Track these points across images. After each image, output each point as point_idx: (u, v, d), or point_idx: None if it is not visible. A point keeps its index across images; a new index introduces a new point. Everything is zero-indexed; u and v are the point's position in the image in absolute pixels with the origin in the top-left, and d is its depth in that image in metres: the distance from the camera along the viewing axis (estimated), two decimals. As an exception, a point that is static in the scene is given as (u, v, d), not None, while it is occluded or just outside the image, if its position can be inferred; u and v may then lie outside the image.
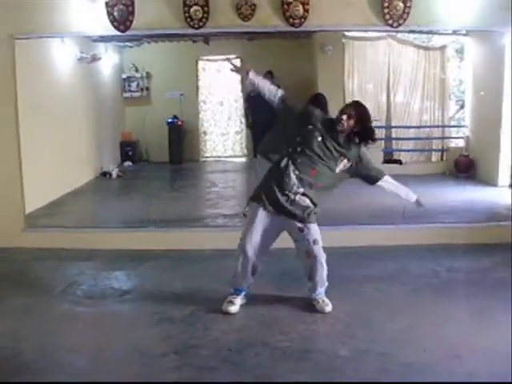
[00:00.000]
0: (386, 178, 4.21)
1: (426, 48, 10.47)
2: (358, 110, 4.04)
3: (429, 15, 5.64)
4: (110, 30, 5.66)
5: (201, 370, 3.31)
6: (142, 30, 5.90)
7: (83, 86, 9.42)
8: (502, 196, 7.05)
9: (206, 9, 5.58)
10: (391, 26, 5.63)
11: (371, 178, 4.18)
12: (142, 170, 11.20)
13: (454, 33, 8.78)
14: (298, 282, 4.39)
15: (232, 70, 4.26)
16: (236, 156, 11.91)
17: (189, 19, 5.61)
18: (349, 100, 4.43)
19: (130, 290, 4.69)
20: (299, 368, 3.31)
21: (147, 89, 11.85)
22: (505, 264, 5.03)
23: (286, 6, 5.57)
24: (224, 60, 10.96)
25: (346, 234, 5.70)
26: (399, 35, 9.82)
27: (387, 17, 5.57)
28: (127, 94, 11.81)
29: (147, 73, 11.79)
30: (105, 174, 10.02)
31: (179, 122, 11.55)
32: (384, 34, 9.44)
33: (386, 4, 5.54)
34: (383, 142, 10.25)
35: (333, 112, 4.17)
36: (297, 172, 3.97)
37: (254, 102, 8.90)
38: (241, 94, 11.47)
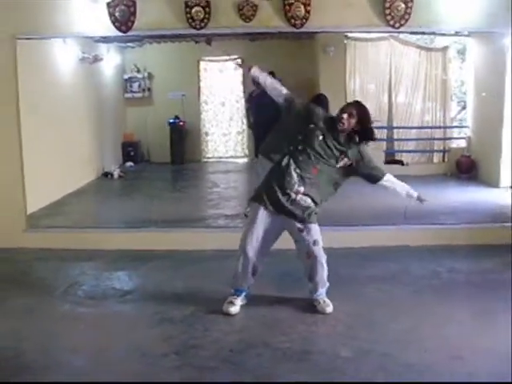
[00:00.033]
0: (388, 176, 4.20)
1: (428, 49, 10.47)
2: (358, 109, 4.04)
3: (430, 16, 5.63)
4: (112, 31, 5.67)
5: (201, 370, 3.32)
6: (143, 31, 5.91)
7: (85, 86, 9.43)
8: (504, 197, 7.04)
9: (207, 9, 5.58)
10: (393, 26, 5.62)
11: (373, 177, 4.17)
12: (144, 171, 11.21)
13: (456, 34, 8.77)
14: (299, 282, 4.39)
15: (237, 67, 4.27)
16: (237, 156, 11.92)
17: (190, 20, 5.61)
18: (350, 100, 4.44)
19: (132, 290, 4.70)
20: (300, 369, 3.31)
21: (149, 89, 11.87)
22: (506, 265, 5.02)
23: (287, 7, 5.56)
24: (226, 61, 11.12)
25: (346, 234, 5.70)
26: (401, 36, 9.82)
27: (389, 18, 5.57)
28: (129, 95, 11.83)
29: (149, 73, 11.81)
30: (106, 175, 10.03)
31: (181, 123, 11.57)
32: (386, 34, 9.44)
33: (388, 5, 5.53)
34: (385, 142, 10.27)
35: (334, 112, 4.17)
36: (298, 170, 3.97)
37: (255, 103, 8.89)
38: (242, 95, 11.49)
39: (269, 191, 4.03)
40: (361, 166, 4.11)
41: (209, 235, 5.95)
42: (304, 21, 5.59)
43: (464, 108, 10.81)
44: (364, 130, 4.04)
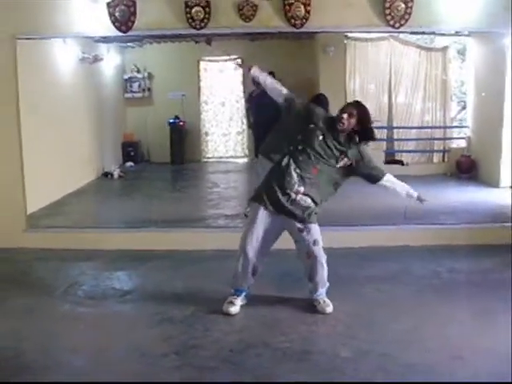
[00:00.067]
0: (388, 176, 4.20)
1: (428, 49, 10.47)
2: (358, 109, 4.05)
3: (430, 16, 5.63)
4: (112, 31, 5.66)
5: (201, 370, 3.32)
6: (143, 31, 5.91)
7: (85, 86, 9.43)
8: (504, 197, 7.04)
9: (207, 9, 5.58)
10: (393, 26, 5.62)
11: (373, 177, 4.17)
12: (144, 171, 11.21)
13: (456, 34, 8.76)
14: (299, 282, 4.40)
15: (237, 67, 4.27)
16: (237, 156, 11.93)
17: (190, 20, 5.60)
18: (350, 101, 4.44)
19: (131, 290, 4.70)
20: (300, 369, 3.31)
21: (149, 89, 11.87)
22: (506, 265, 5.02)
23: (287, 7, 5.56)
24: (226, 61, 11.12)
25: (346, 234, 5.69)
26: (401, 36, 9.82)
27: (389, 17, 5.56)
28: (129, 95, 11.83)
29: (149, 73, 11.81)
30: (106, 175, 10.03)
31: (181, 123, 11.57)
32: (386, 34, 9.44)
33: (388, 5, 5.53)
34: (385, 142, 10.27)
35: (334, 112, 4.17)
36: (298, 170, 3.97)
37: (255, 103, 8.90)
38: (242, 95, 11.49)
39: (269, 191, 4.03)
40: (361, 165, 4.10)
41: (209, 235, 5.96)
42: (304, 21, 5.58)
43: (464, 108, 10.81)
44: (364, 130, 4.04)
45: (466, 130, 10.22)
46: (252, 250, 4.06)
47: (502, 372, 3.21)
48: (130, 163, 11.28)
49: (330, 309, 4.10)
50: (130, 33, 5.68)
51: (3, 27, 5.63)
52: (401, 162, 9.95)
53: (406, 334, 3.78)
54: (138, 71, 11.77)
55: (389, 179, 4.20)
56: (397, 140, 10.52)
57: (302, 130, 4.03)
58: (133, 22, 5.59)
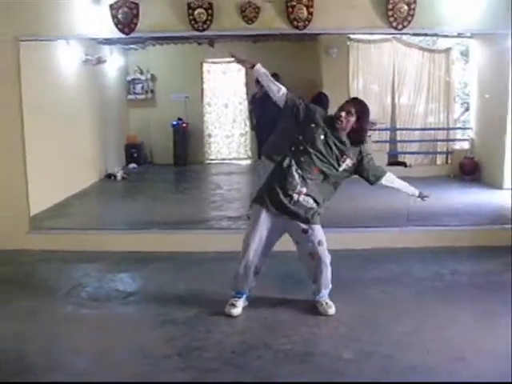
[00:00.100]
0: (389, 176, 4.18)
1: (431, 50, 10.48)
2: (356, 106, 4.03)
3: (433, 18, 5.62)
4: (115, 33, 5.67)
5: (204, 371, 3.32)
6: (146, 33, 5.93)
7: (88, 88, 9.45)
8: (507, 199, 7.02)
9: (210, 11, 5.58)
10: (395, 28, 5.62)
11: (373, 177, 4.14)
12: (147, 172, 11.23)
13: (459, 35, 8.76)
14: (301, 284, 4.40)
15: (235, 60, 4.22)
16: (240, 158, 11.94)
17: (193, 22, 5.61)
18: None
19: (134, 292, 4.71)
20: (302, 370, 3.31)
21: (152, 91, 11.89)
22: (509, 267, 5.01)
23: (290, 9, 5.56)
24: (229, 62, 11.11)
25: (349, 236, 5.68)
26: (404, 37, 9.84)
27: (391, 19, 5.56)
28: (132, 97, 11.85)
29: (152, 75, 11.83)
30: (109, 176, 10.05)
31: (184, 125, 11.59)
32: (389, 36, 9.46)
33: (391, 6, 5.53)
34: (388, 144, 10.26)
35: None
36: (299, 171, 3.97)
37: (258, 105, 8.88)
38: (245, 97, 11.50)
39: (270, 192, 4.03)
40: (362, 164, 4.09)
41: (211, 237, 5.96)
42: (306, 22, 5.59)
43: (467, 109, 10.82)
44: (358, 129, 4.01)
45: (469, 131, 10.21)
46: (254, 252, 4.05)
47: (504, 374, 3.20)
48: (133, 165, 11.30)
49: (332, 311, 4.09)
50: (132, 35, 5.68)
51: (6, 29, 5.64)
52: (404, 164, 9.95)
53: (408, 335, 3.78)
54: (141, 73, 11.80)
55: (390, 178, 4.18)
56: (400, 141, 10.52)
57: (303, 130, 4.02)
58: (135, 24, 5.60)
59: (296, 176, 3.96)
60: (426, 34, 8.23)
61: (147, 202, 8.03)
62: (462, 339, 3.71)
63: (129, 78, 11.82)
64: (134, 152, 11.49)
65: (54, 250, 5.69)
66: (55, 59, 7.91)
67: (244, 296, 4.18)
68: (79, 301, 4.48)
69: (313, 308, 4.14)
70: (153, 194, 8.78)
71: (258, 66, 4.09)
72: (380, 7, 5.58)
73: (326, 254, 4.07)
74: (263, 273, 4.20)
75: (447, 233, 5.88)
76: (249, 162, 11.67)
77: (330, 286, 4.17)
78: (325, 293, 4.16)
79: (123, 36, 5.69)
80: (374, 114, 9.24)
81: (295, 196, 3.96)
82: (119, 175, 10.06)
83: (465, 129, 10.66)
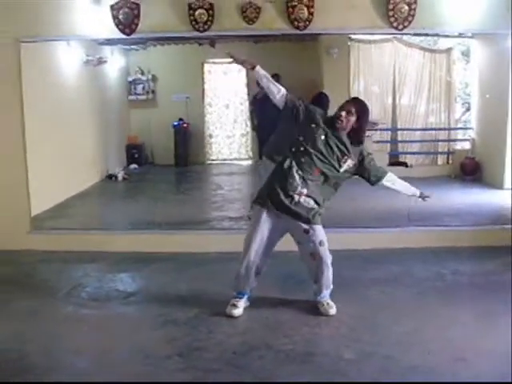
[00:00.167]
0: (390, 176, 4.18)
1: (432, 50, 10.48)
2: (357, 106, 4.03)
3: (434, 18, 5.62)
4: (116, 33, 5.67)
5: (205, 372, 3.32)
6: (147, 33, 5.93)
7: (89, 88, 9.45)
8: (507, 199, 7.02)
9: (210, 12, 5.58)
10: (396, 28, 5.62)
11: (374, 177, 4.14)
12: (148, 173, 11.23)
13: (460, 35, 8.76)
14: (302, 284, 4.40)
15: (234, 61, 4.20)
16: (241, 159, 11.95)
17: (194, 22, 5.61)
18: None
19: (135, 292, 4.70)
20: (303, 371, 3.31)
21: (153, 92, 11.90)
22: (509, 267, 5.01)
23: (290, 9, 5.56)
24: (230, 63, 11.12)
25: (350, 236, 5.68)
26: (405, 38, 9.85)
27: (392, 19, 5.56)
28: (133, 97, 11.87)
29: (153, 76, 11.84)
30: (111, 177, 10.05)
31: (185, 125, 11.60)
32: (390, 36, 9.46)
33: (391, 6, 5.52)
34: (389, 144, 10.26)
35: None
36: (300, 172, 3.96)
37: (259, 105, 8.89)
38: (246, 97, 11.51)
39: (271, 193, 4.03)
40: (363, 165, 4.09)
41: (213, 237, 5.96)
42: (307, 23, 5.59)
43: (468, 110, 10.82)
44: (357, 129, 4.02)
45: (470, 131, 10.21)
46: (255, 252, 4.06)
47: (505, 373, 3.20)
48: (134, 165, 11.31)
49: (333, 311, 4.09)
50: (133, 35, 5.68)
51: (7, 30, 5.64)
52: (405, 164, 9.95)
53: (409, 336, 3.77)
54: (142, 73, 11.81)
55: (390, 178, 4.18)
56: (401, 142, 10.52)
57: (303, 130, 4.01)
58: (136, 25, 5.60)
59: (297, 177, 3.96)
60: (426, 34, 8.23)
61: (148, 203, 8.03)
62: (463, 339, 3.71)
63: (130, 79, 11.83)
64: (135, 152, 11.50)
65: (55, 250, 5.69)
66: (56, 60, 7.91)
67: (245, 296, 4.18)
68: (80, 301, 4.48)
69: (314, 308, 4.14)
70: (154, 195, 8.77)
71: (258, 68, 4.08)
72: (381, 7, 5.58)
73: (328, 254, 4.07)
74: (264, 273, 4.20)
75: (448, 233, 5.88)
76: (250, 162, 11.68)
77: (332, 287, 4.17)
78: (326, 293, 4.15)
79: (124, 37, 5.70)
80: (375, 114, 9.29)
81: (296, 197, 3.96)
82: (120, 176, 10.06)
83: (466, 129, 10.66)
